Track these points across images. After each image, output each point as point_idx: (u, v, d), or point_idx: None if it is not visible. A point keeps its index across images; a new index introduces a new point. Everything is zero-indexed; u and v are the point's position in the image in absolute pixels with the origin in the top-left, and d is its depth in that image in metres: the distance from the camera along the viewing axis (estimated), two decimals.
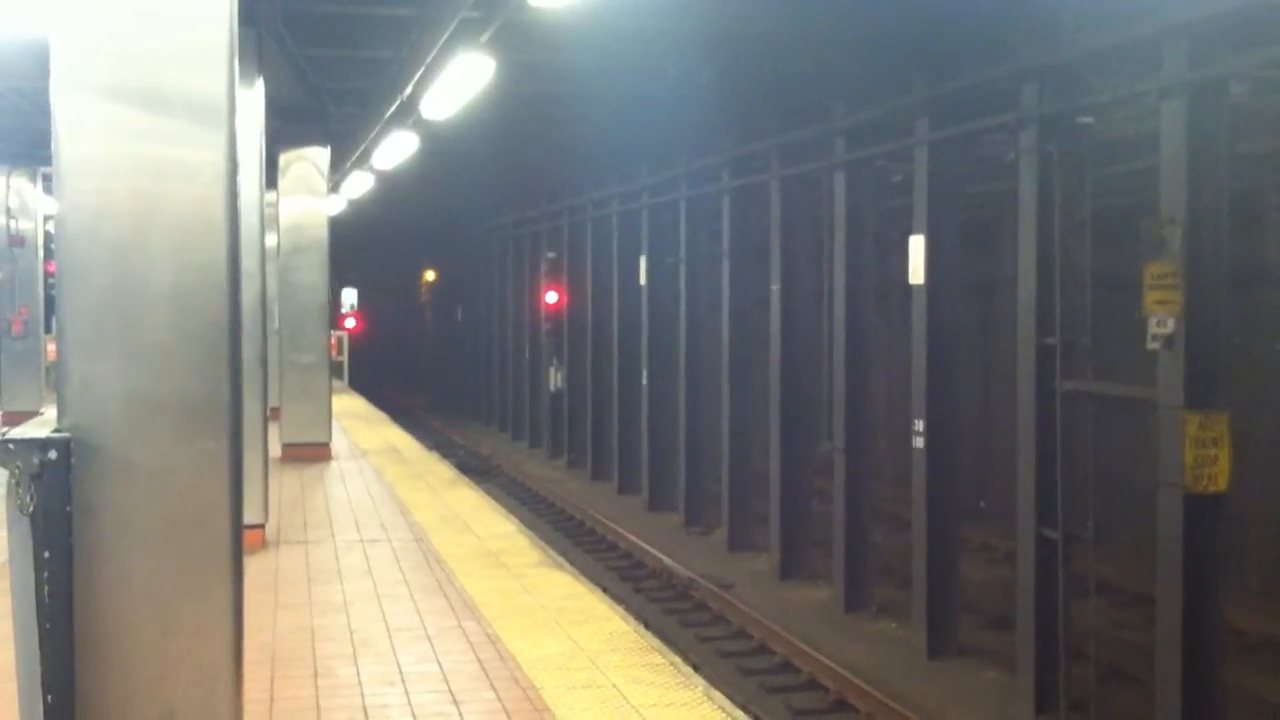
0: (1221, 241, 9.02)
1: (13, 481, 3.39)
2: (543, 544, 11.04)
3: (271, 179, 14.96)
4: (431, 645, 7.57)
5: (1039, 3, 10.15)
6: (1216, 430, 8.79)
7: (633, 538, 17.74)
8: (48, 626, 3.43)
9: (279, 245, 16.42)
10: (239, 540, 3.65)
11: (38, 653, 3.42)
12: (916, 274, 12.42)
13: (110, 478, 3.51)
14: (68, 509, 3.45)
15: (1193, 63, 8.86)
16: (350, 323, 27.79)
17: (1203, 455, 8.77)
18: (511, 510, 15.00)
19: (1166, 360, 9.06)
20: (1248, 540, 12.93)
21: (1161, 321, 8.97)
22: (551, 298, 27.20)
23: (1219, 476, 8.79)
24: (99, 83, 3.56)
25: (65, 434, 3.47)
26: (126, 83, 3.56)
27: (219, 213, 3.60)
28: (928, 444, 12.30)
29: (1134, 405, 10.40)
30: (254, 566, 9.48)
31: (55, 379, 3.64)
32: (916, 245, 12.39)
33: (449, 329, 41.34)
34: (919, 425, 12.39)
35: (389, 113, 13.66)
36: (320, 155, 16.38)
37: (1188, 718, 8.94)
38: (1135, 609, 12.49)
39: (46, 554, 3.42)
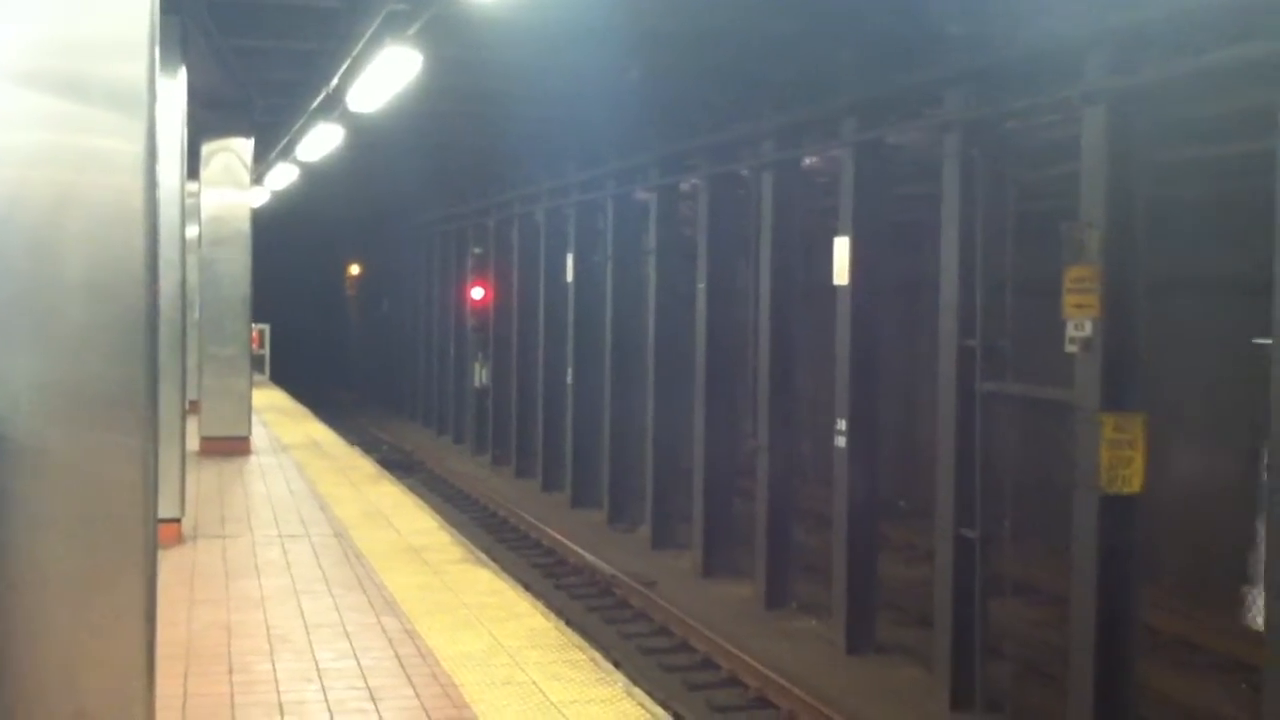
0: (1139, 247, 9.17)
1: None
2: (465, 540, 11.01)
3: (194, 169, 14.79)
4: (350, 641, 7.52)
5: (965, 8, 10.26)
6: (1132, 432, 8.93)
7: (556, 534, 17.72)
8: None
9: (200, 236, 16.24)
10: (153, 534, 3.61)
11: None
12: (841, 275, 12.51)
13: (21, 469, 3.46)
14: None
15: (1114, 70, 9.00)
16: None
17: (1118, 457, 8.90)
18: (434, 507, 14.92)
19: (1084, 363, 9.20)
20: (1161, 540, 13.16)
21: (1079, 325, 9.10)
22: (478, 294, 27.10)
23: (1134, 478, 8.93)
24: (16, 70, 3.51)
25: None
26: (44, 70, 3.51)
27: (137, 203, 3.56)
28: (849, 443, 12.39)
29: (1052, 407, 10.54)
30: (170, 561, 9.37)
31: None
32: (841, 246, 12.48)
33: (374, 323, 41.07)
34: (841, 424, 12.49)
35: (315, 105, 13.57)
36: (244, 146, 16.22)
37: (1100, 716, 9.08)
38: (1051, 608, 12.68)
39: None
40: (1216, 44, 8.45)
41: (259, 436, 17.56)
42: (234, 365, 16.07)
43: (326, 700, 6.45)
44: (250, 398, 16.58)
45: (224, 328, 16.03)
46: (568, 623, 9.09)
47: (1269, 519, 7.59)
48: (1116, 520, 9.06)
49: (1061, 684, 9.99)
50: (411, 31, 9.45)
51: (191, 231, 14.43)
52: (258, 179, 21.18)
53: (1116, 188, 9.05)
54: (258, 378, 23.68)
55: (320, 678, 6.82)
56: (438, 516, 12.12)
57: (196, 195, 16.17)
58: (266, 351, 31.69)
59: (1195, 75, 8.72)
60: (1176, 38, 8.75)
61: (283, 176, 22.18)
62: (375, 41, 9.92)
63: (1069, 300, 9.13)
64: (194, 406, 15.21)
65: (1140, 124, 9.15)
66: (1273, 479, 7.59)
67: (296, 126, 15.63)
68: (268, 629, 7.81)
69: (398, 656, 7.21)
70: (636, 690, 6.68)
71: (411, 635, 7.64)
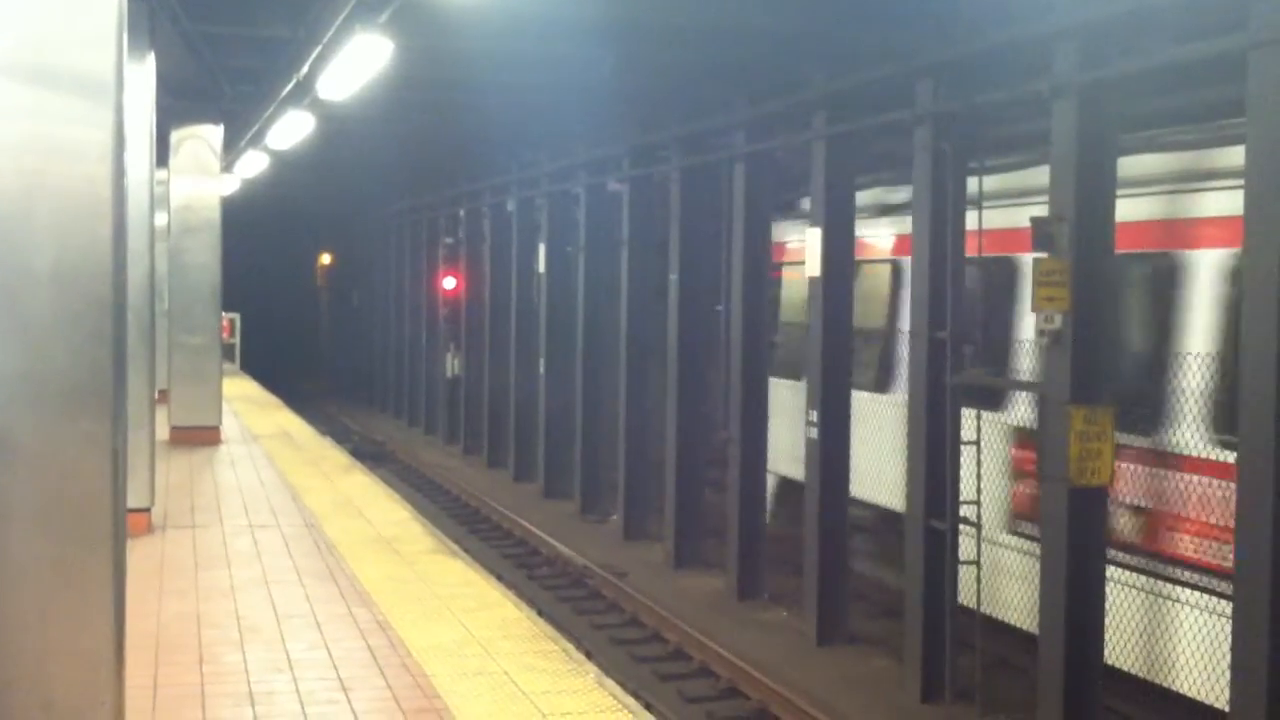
0: (1109, 240, 9.21)
1: None
2: (437, 531, 11.00)
3: (163, 157, 14.71)
4: (321, 632, 7.51)
5: (936, 1, 10.27)
6: (1101, 424, 8.97)
7: (528, 525, 17.72)
8: None
9: (169, 225, 16.16)
10: (121, 524, 3.59)
11: None
12: (813, 266, 12.52)
13: None
14: None
15: (1083, 64, 9.02)
16: None
17: (1087, 449, 8.95)
18: (406, 497, 14.89)
19: (1054, 355, 9.23)
20: None
21: (1049, 318, 9.13)
22: (449, 283, 27.05)
23: (1102, 469, 8.97)
24: None
25: None
26: (10, 57, 3.48)
27: (105, 191, 3.53)
28: (821, 434, 12.42)
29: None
30: (139, 551, 9.33)
31: None
32: (813, 238, 12.50)
33: (345, 313, 40.93)
34: (813, 415, 12.51)
35: (285, 92, 13.50)
36: (213, 134, 16.14)
37: (1069, 706, 9.13)
38: None
39: None
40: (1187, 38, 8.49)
41: (229, 426, 17.49)
42: (203, 354, 16.00)
43: (297, 691, 6.44)
44: (220, 387, 16.51)
45: (193, 317, 15.97)
46: (539, 613, 9.09)
47: (1239, 501, 7.65)
48: (1085, 511, 9.11)
49: (1030, 675, 10.04)
50: (382, 19, 9.41)
51: (160, 220, 14.36)
52: (228, 167, 21.07)
53: (1086, 181, 9.08)
54: (228, 367, 23.58)
55: (291, 668, 6.80)
56: (409, 507, 12.10)
57: (165, 183, 16.08)
58: (237, 341, 31.55)
59: (1165, 68, 8.76)
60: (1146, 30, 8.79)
61: (253, 165, 22.07)
62: (345, 29, 9.87)
63: (1039, 293, 9.15)
64: (163, 396, 15.14)
65: (1110, 116, 9.18)
66: (1242, 468, 7.65)
67: (267, 114, 15.53)
68: (238, 619, 7.78)
69: (369, 647, 7.20)
70: (608, 681, 6.69)
71: (383, 626, 7.63)
